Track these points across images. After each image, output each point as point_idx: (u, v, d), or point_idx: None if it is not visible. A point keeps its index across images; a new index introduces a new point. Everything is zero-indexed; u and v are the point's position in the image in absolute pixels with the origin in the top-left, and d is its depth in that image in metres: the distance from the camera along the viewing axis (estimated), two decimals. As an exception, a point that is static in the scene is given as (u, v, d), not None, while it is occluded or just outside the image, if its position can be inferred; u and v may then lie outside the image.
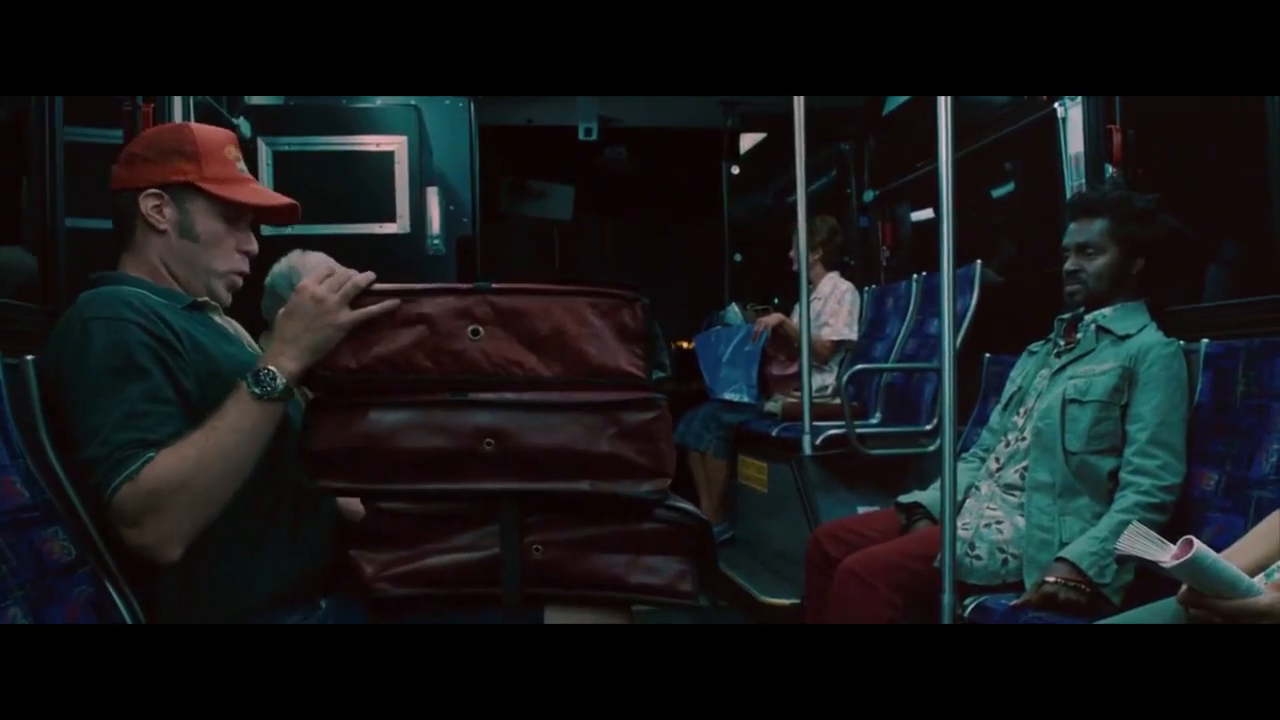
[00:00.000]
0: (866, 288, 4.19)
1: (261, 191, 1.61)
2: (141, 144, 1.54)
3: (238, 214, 1.56)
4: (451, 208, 3.90)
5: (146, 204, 1.50)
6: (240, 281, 1.61)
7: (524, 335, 1.38)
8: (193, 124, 1.56)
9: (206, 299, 1.57)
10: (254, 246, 1.61)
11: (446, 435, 1.37)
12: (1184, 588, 1.33)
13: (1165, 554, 1.30)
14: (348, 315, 1.38)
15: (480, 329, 1.37)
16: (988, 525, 2.14)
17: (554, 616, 1.44)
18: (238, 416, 1.36)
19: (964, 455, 2.45)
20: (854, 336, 3.95)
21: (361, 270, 1.41)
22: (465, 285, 1.40)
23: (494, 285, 1.40)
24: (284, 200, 1.62)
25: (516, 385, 1.38)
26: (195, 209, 1.53)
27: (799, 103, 3.09)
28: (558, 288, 1.41)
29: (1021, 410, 2.30)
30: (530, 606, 1.44)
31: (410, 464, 1.38)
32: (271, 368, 1.37)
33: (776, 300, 4.51)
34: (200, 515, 1.34)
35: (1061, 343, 2.30)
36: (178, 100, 2.55)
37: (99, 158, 1.57)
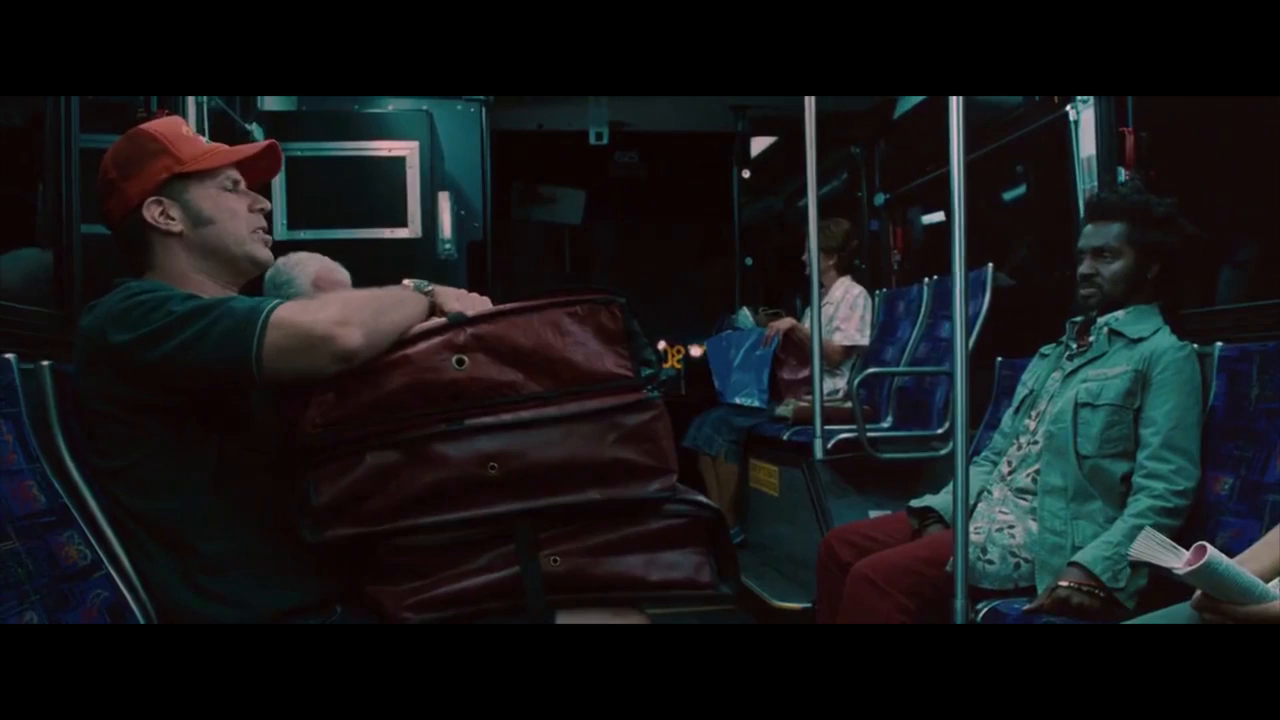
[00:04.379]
0: (877, 291, 4.18)
1: (237, 149, 1.60)
2: (111, 168, 1.51)
3: (231, 180, 1.56)
4: (463, 212, 3.91)
5: (153, 213, 1.49)
6: (270, 239, 1.60)
7: (509, 356, 1.38)
8: (141, 126, 1.55)
9: None
10: (266, 204, 1.61)
11: (449, 466, 1.37)
12: (1198, 593, 1.33)
13: (1178, 560, 1.29)
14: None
15: (464, 358, 1.37)
16: (1000, 529, 2.13)
17: (566, 618, 1.44)
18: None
19: (976, 459, 2.44)
20: (865, 342, 3.95)
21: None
22: (439, 321, 1.40)
23: (468, 314, 1.41)
24: (262, 144, 1.62)
25: (510, 405, 1.38)
26: (194, 194, 1.51)
27: (810, 106, 3.09)
28: (532, 304, 1.41)
29: (1033, 414, 2.29)
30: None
31: (416, 500, 1.38)
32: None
33: (797, 302, 4.50)
34: (363, 307, 1.34)
35: (1074, 346, 2.29)
36: (191, 106, 2.56)
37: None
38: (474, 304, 1.47)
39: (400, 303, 1.41)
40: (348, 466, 1.38)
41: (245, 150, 1.59)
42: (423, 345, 1.38)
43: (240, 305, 1.35)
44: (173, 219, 1.50)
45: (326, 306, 1.34)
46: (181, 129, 1.56)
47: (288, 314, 1.32)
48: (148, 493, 1.43)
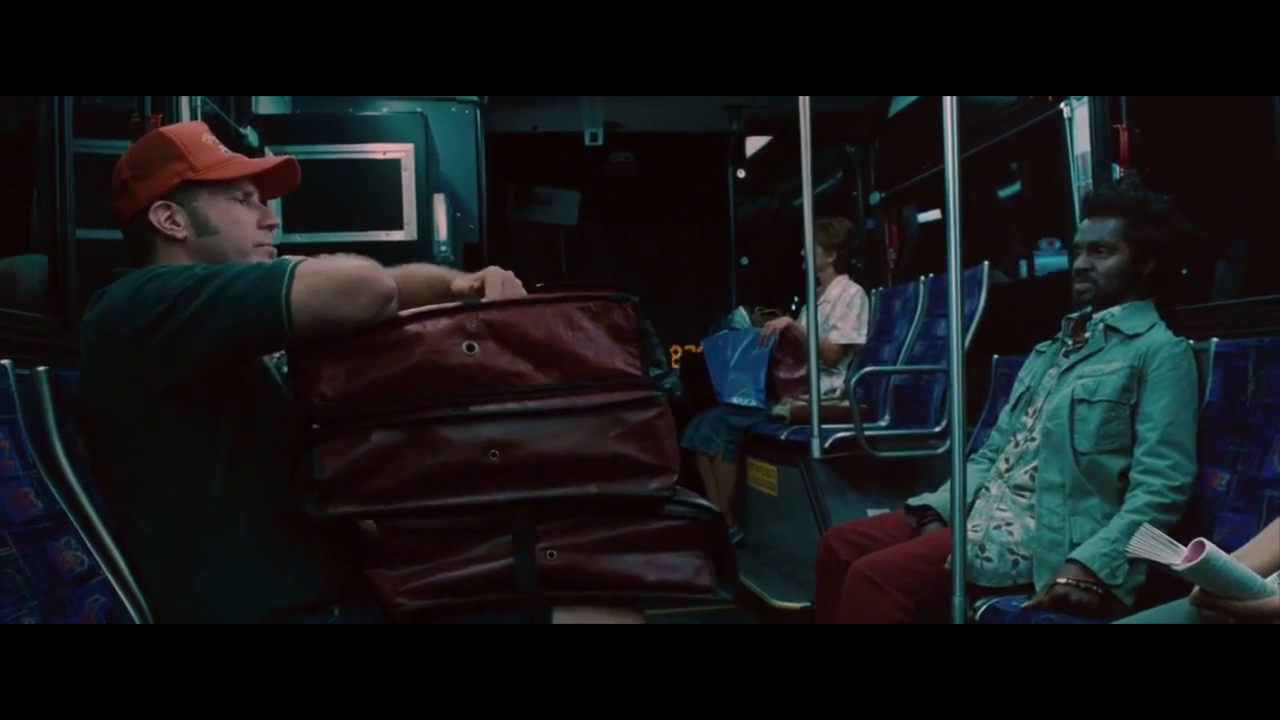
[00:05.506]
0: (874, 290, 4.18)
1: (254, 161, 1.60)
2: (126, 166, 1.52)
3: (244, 193, 1.55)
4: (458, 214, 3.91)
5: (159, 217, 1.49)
6: (275, 253, 1.57)
7: (519, 346, 1.39)
8: (163, 128, 1.56)
9: None
10: (275, 219, 1.60)
11: (451, 450, 1.38)
12: (1196, 589, 1.33)
13: (1176, 556, 1.29)
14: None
15: (475, 344, 1.38)
16: (998, 527, 2.13)
17: (562, 619, 1.44)
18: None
19: (973, 456, 2.44)
20: (862, 340, 3.95)
21: None
22: (453, 304, 1.42)
23: (482, 300, 1.42)
24: (278, 159, 1.61)
25: (517, 394, 1.39)
26: (203, 202, 1.51)
27: (804, 105, 3.09)
28: (546, 296, 1.42)
29: (1030, 410, 2.29)
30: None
31: (418, 482, 1.39)
32: None
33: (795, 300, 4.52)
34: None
35: (1069, 342, 2.29)
36: (185, 109, 2.56)
37: (109, 169, 1.58)
38: (516, 288, 1.49)
39: (412, 270, 1.47)
40: (354, 443, 1.39)
41: (261, 164, 1.59)
42: (434, 325, 1.39)
43: (264, 264, 1.38)
44: (178, 224, 1.50)
45: (350, 258, 1.38)
46: (202, 136, 1.56)
47: (317, 264, 1.35)
48: (157, 482, 1.43)
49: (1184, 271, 2.32)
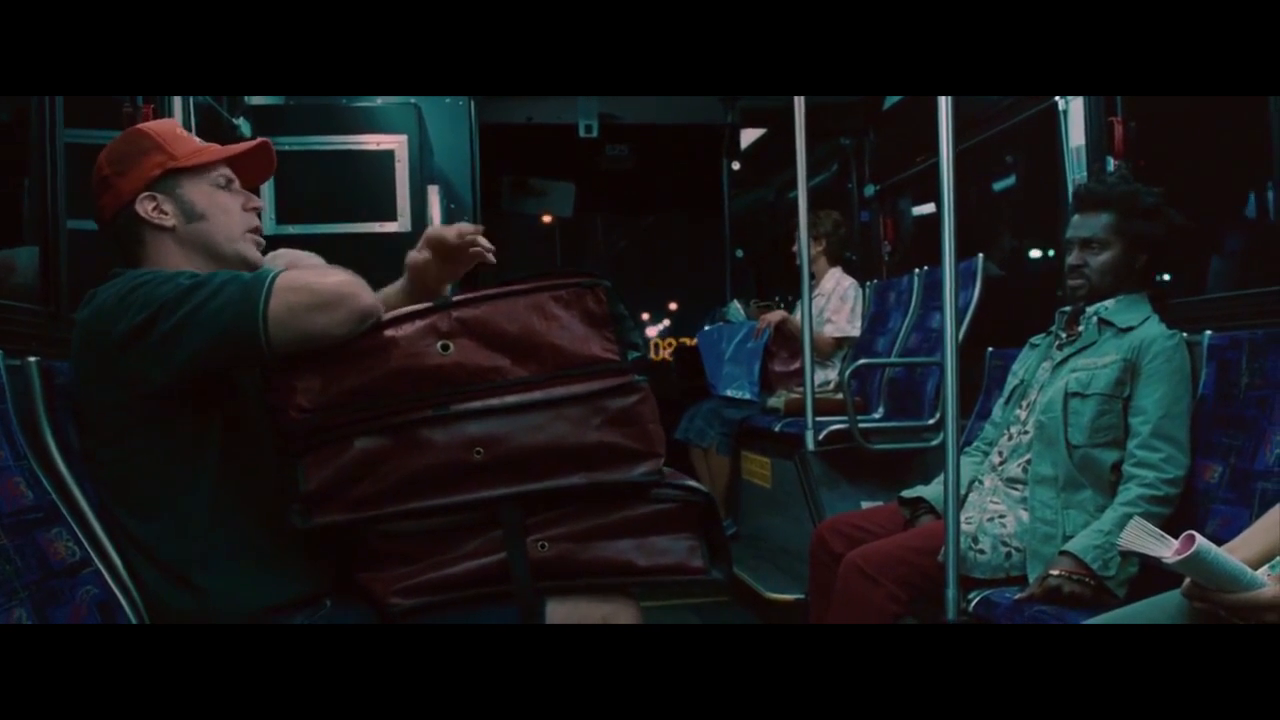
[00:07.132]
0: (868, 282, 4.18)
1: (229, 147, 1.61)
2: (106, 164, 1.52)
3: (224, 178, 1.56)
4: (452, 206, 3.90)
5: (145, 208, 1.49)
6: (263, 241, 1.60)
7: (494, 341, 1.39)
8: (136, 126, 1.58)
9: None
10: (260, 203, 1.61)
11: (435, 451, 1.38)
12: (1187, 581, 1.33)
13: (1167, 549, 1.30)
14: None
15: (450, 343, 1.38)
16: (991, 519, 2.14)
17: (556, 609, 1.44)
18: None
19: (967, 449, 2.45)
20: (856, 334, 3.95)
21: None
22: (425, 304, 1.42)
23: (454, 298, 1.41)
24: (254, 142, 1.63)
25: (496, 390, 1.39)
26: (187, 190, 1.52)
27: (799, 98, 3.09)
28: (517, 287, 1.41)
29: (1024, 404, 2.29)
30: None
31: (404, 485, 1.38)
32: None
33: (784, 300, 4.51)
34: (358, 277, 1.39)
35: (1063, 335, 2.29)
36: (177, 102, 2.55)
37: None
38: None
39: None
40: (336, 452, 1.38)
41: (238, 148, 1.60)
42: (407, 328, 1.38)
43: (246, 275, 1.38)
44: (165, 213, 1.51)
45: (332, 272, 1.38)
46: (176, 129, 1.58)
47: (296, 276, 1.35)
48: (144, 482, 1.43)
49: (1167, 277, 2.32)
